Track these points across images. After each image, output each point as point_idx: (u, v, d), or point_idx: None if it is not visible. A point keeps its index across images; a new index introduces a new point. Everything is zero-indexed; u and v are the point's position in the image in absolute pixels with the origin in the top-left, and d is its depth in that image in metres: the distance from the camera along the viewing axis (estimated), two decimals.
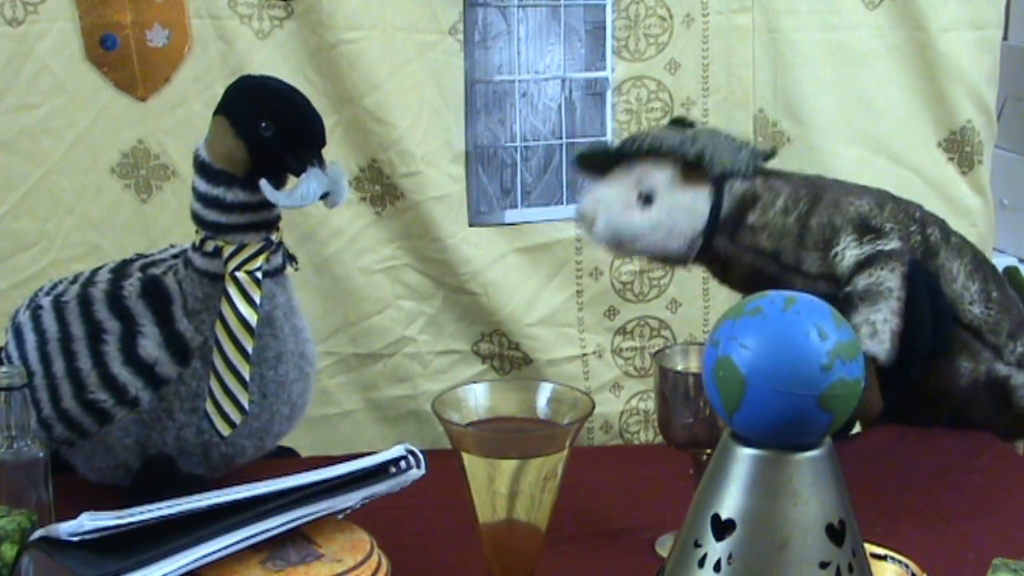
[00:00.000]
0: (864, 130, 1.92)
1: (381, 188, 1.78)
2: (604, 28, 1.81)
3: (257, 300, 1.23)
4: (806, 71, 1.89)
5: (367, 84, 1.72)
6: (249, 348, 1.23)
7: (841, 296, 1.32)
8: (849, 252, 1.34)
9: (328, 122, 1.27)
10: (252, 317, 1.23)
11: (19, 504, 1.12)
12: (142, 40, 1.66)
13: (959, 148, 1.94)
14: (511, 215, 1.83)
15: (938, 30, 1.88)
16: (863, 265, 1.33)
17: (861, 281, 1.32)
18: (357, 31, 1.70)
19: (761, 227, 1.34)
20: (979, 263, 1.42)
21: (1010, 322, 1.42)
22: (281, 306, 1.26)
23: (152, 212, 1.72)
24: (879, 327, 1.30)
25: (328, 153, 1.22)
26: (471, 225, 1.81)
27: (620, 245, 1.35)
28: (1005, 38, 2.17)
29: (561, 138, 1.83)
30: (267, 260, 1.24)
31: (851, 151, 1.91)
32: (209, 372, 1.25)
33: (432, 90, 1.76)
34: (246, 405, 1.25)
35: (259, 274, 1.23)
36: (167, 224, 1.70)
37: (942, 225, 1.42)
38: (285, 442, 1.38)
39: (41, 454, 1.15)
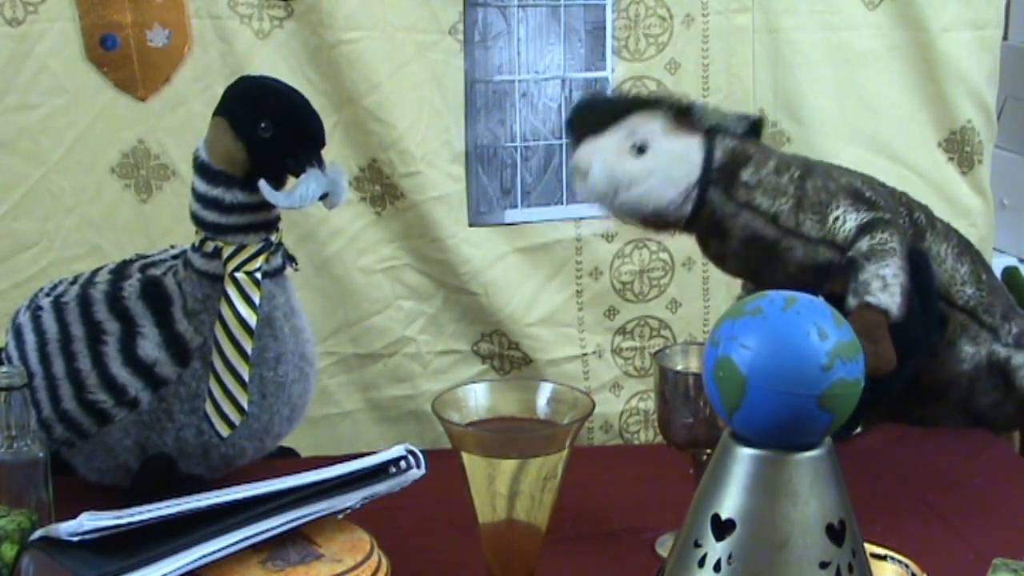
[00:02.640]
0: (864, 130, 1.92)
1: (381, 188, 1.78)
2: (604, 28, 1.81)
3: (256, 301, 1.23)
4: (806, 71, 1.89)
5: (367, 84, 1.72)
6: (248, 349, 1.23)
7: (845, 260, 1.33)
8: (849, 216, 1.34)
9: (328, 122, 1.27)
10: (251, 318, 1.23)
11: (19, 504, 1.12)
12: (142, 40, 1.66)
13: (959, 148, 1.94)
14: (511, 215, 1.83)
15: (938, 30, 1.88)
16: (865, 229, 1.34)
17: (865, 243, 1.33)
18: (357, 31, 1.70)
19: (756, 184, 1.34)
20: (965, 246, 1.44)
21: (1001, 304, 1.43)
22: (281, 307, 1.26)
23: (152, 212, 1.72)
24: (889, 281, 1.30)
25: (328, 153, 1.22)
26: (471, 225, 1.81)
27: (616, 193, 1.34)
28: (1005, 38, 2.16)
29: (561, 138, 1.82)
30: (267, 261, 1.24)
31: (851, 151, 1.91)
32: (208, 373, 1.25)
33: (432, 90, 1.76)
34: (245, 406, 1.25)
35: (258, 275, 1.23)
36: (167, 224, 1.70)
37: (927, 211, 1.44)
38: (285, 442, 1.38)
39: (41, 454, 1.15)
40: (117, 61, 1.67)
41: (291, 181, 1.23)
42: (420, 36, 1.75)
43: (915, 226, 1.40)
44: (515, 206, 1.83)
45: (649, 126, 1.34)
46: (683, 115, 1.34)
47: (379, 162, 1.76)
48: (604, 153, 1.33)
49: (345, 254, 1.78)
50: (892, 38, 1.90)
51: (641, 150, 1.33)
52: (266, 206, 1.22)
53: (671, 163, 1.33)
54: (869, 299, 1.29)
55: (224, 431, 1.26)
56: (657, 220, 1.37)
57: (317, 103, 1.25)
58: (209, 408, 1.25)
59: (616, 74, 1.83)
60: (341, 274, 1.78)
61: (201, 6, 1.68)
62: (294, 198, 1.19)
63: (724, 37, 1.85)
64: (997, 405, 1.45)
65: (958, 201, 1.94)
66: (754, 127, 1.39)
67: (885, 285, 1.30)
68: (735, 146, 1.35)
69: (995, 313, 1.42)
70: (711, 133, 1.35)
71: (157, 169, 1.71)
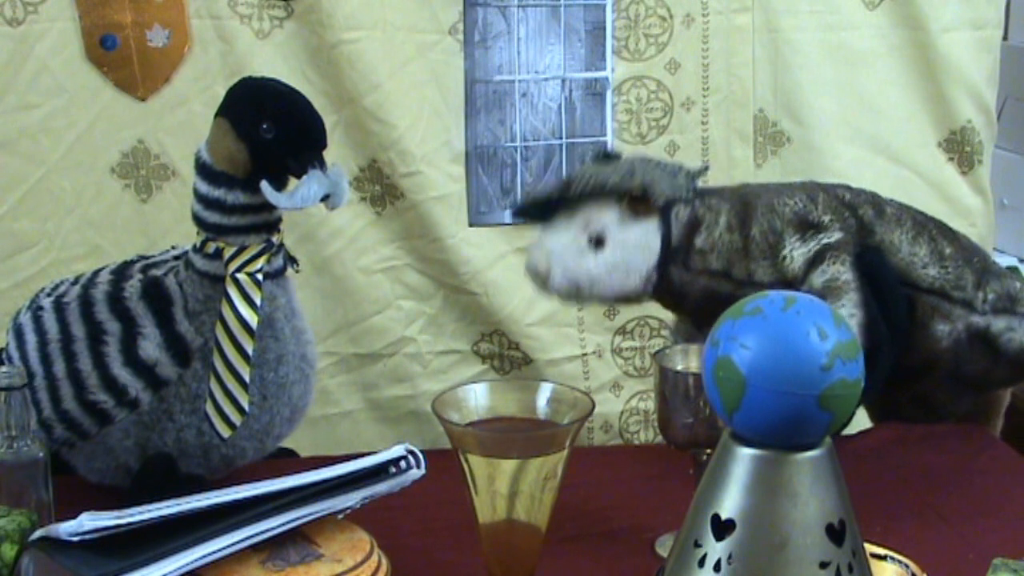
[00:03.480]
0: (864, 130, 1.92)
1: (381, 188, 1.78)
2: (604, 28, 1.81)
3: (257, 302, 1.23)
4: (806, 71, 1.89)
5: (367, 84, 1.72)
6: (249, 350, 1.23)
7: None
8: (796, 253, 1.34)
9: (328, 122, 1.27)
10: (252, 319, 1.23)
11: (19, 504, 1.12)
12: (142, 40, 1.66)
13: (959, 148, 1.94)
14: (511, 215, 1.83)
15: (938, 30, 1.88)
16: (814, 262, 1.34)
17: (816, 279, 1.33)
18: (357, 31, 1.70)
19: (710, 249, 1.34)
20: (921, 227, 1.42)
21: (973, 272, 1.42)
22: (282, 308, 1.26)
23: (152, 212, 1.72)
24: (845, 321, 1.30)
25: (328, 153, 1.22)
26: (471, 225, 1.81)
27: (578, 293, 1.34)
28: (1005, 38, 2.16)
29: (561, 138, 1.83)
30: (268, 262, 1.24)
31: (851, 151, 1.91)
32: (209, 373, 1.25)
33: (432, 90, 1.76)
34: (246, 407, 1.25)
35: (260, 276, 1.23)
36: (167, 224, 1.70)
37: (873, 201, 1.42)
38: (285, 443, 1.38)
39: (41, 454, 1.15)
40: (117, 61, 1.67)
41: (292, 182, 1.23)
42: (420, 36, 1.74)
43: (861, 223, 1.39)
44: (515, 206, 1.83)
45: (604, 217, 1.32)
46: (637, 199, 1.32)
47: (379, 162, 1.76)
48: (562, 256, 1.32)
49: (345, 254, 1.78)
50: (892, 38, 1.90)
51: (599, 243, 1.32)
52: (268, 207, 1.22)
53: (631, 254, 1.32)
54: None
55: (225, 432, 1.26)
56: (618, 301, 1.41)
57: (317, 103, 1.25)
58: (210, 409, 1.25)
59: (616, 74, 1.83)
60: (341, 274, 1.78)
61: (201, 6, 1.67)
62: (296, 199, 1.19)
63: (724, 37, 1.85)
64: (988, 370, 1.44)
65: (958, 201, 1.94)
66: (699, 175, 1.38)
67: None
68: (688, 215, 1.34)
69: (966, 285, 1.41)
70: (665, 208, 1.33)
71: (157, 169, 1.71)
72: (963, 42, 1.89)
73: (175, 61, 1.68)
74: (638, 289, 1.34)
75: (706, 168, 1.39)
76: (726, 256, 1.34)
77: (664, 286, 1.35)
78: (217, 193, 1.22)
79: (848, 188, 1.43)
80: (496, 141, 1.81)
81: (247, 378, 1.24)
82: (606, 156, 1.41)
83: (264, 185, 1.20)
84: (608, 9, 1.80)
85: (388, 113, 1.73)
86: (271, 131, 1.20)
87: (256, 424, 1.27)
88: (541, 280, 1.34)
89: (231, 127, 1.21)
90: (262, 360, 1.25)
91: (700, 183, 1.38)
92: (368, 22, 1.71)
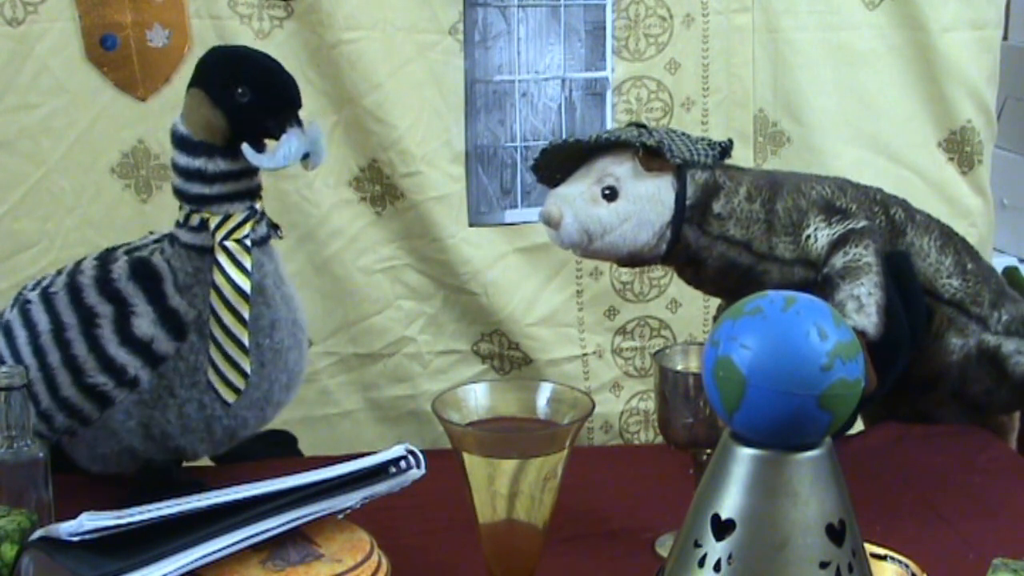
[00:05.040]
0: (864, 130, 1.92)
1: (381, 188, 1.78)
2: (604, 28, 1.81)
3: (248, 267, 1.24)
4: (806, 71, 1.89)
5: (367, 84, 1.72)
6: (246, 314, 1.24)
7: (820, 278, 1.32)
8: (821, 233, 1.34)
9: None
10: (246, 284, 1.24)
11: (19, 504, 1.12)
12: (142, 40, 1.66)
13: (959, 148, 1.94)
14: (511, 215, 1.83)
15: (938, 30, 1.88)
16: (837, 244, 1.34)
17: (838, 260, 1.33)
18: (357, 31, 1.70)
19: (728, 215, 1.33)
20: (948, 237, 1.43)
21: (990, 291, 1.42)
22: (270, 274, 1.27)
23: (152, 212, 1.72)
24: (864, 301, 1.30)
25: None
26: (471, 225, 1.81)
27: (590, 241, 1.33)
28: (1005, 38, 2.17)
29: (562, 138, 1.82)
30: (253, 228, 1.25)
31: (851, 151, 1.91)
32: (207, 344, 1.25)
33: (432, 90, 1.76)
34: (248, 370, 1.25)
35: (248, 242, 1.24)
36: (167, 224, 1.68)
37: (904, 205, 1.43)
38: (278, 423, 1.38)
39: (41, 454, 1.15)
40: (117, 61, 1.67)
41: (271, 148, 1.23)
42: (420, 36, 1.75)
43: (892, 223, 1.39)
44: (515, 206, 1.83)
45: (618, 169, 1.32)
46: (652, 154, 1.32)
47: (379, 162, 1.76)
48: (575, 203, 1.32)
49: (345, 254, 1.78)
50: (892, 38, 1.90)
51: (612, 195, 1.32)
52: (249, 173, 1.23)
53: (644, 207, 1.32)
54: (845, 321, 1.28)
55: (230, 397, 1.26)
56: (632, 260, 1.37)
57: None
58: (213, 377, 1.25)
59: (616, 74, 1.83)
60: (341, 274, 1.78)
61: (201, 6, 1.68)
62: (278, 158, 1.20)
63: (724, 37, 1.85)
64: (990, 392, 1.44)
65: (958, 201, 1.94)
66: (723, 151, 1.38)
67: (860, 306, 1.30)
68: (706, 179, 1.34)
69: (983, 302, 1.41)
70: (681, 169, 1.33)
71: (157, 169, 1.71)
72: (963, 42, 1.89)
73: (175, 61, 1.68)
74: (651, 244, 1.33)
75: (730, 142, 1.37)
76: (746, 226, 1.33)
77: (679, 248, 1.34)
78: (198, 163, 1.23)
79: (880, 190, 1.43)
80: (496, 141, 1.81)
81: (246, 342, 1.24)
82: (638, 125, 1.41)
83: (245, 147, 1.21)
84: (608, 9, 1.80)
85: (388, 113, 1.73)
86: (246, 95, 1.21)
87: (256, 392, 1.27)
88: (553, 225, 1.33)
89: (206, 96, 1.22)
90: (257, 327, 1.25)
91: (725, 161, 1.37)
92: (368, 22, 1.71)
